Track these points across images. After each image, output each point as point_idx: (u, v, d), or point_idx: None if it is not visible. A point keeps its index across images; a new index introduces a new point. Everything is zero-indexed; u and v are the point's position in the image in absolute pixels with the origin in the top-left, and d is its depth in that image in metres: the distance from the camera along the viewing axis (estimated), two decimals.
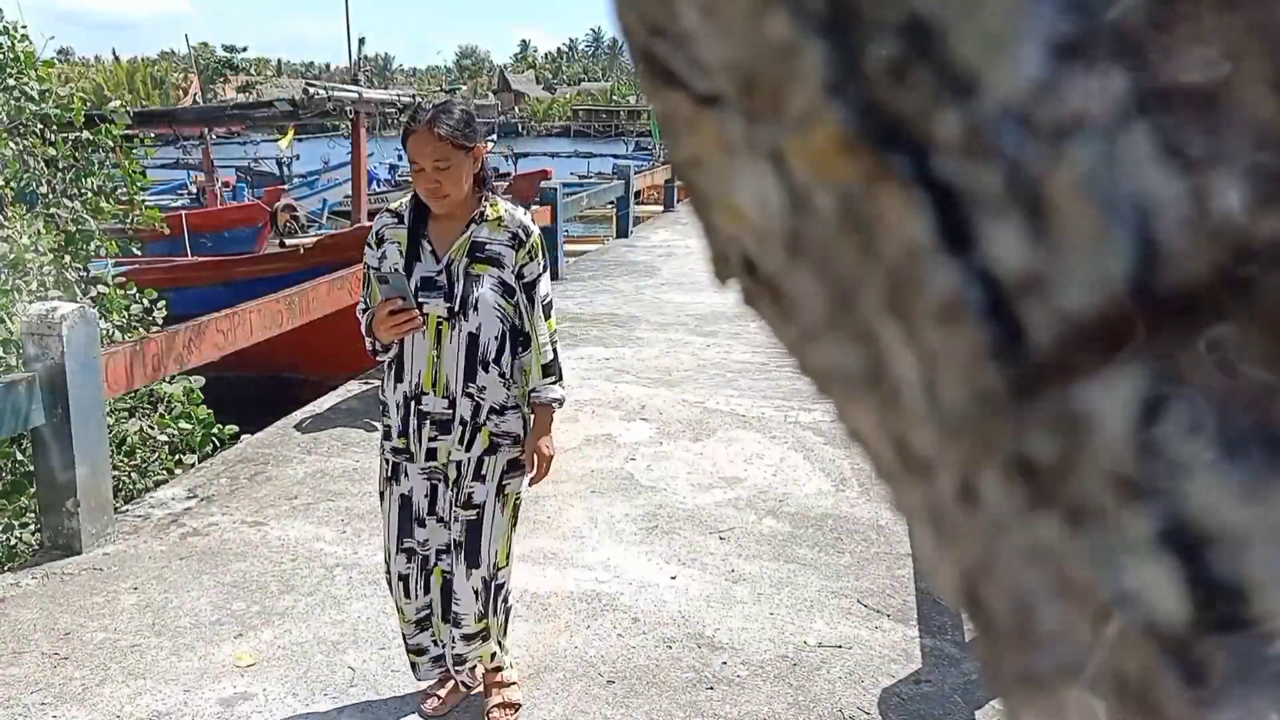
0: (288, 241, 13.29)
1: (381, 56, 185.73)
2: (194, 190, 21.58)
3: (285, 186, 21.60)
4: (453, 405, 3.15)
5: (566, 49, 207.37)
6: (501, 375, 3.16)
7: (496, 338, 3.14)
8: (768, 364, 7.84)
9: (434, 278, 3.11)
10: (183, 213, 13.69)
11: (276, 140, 26.53)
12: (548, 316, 3.23)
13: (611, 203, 16.21)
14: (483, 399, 3.15)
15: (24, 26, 6.90)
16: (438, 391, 3.15)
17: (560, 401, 3.25)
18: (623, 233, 15.94)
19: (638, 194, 17.30)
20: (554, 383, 3.23)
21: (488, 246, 3.13)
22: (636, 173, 17.48)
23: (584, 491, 5.49)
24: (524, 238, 3.16)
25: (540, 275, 3.21)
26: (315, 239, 12.38)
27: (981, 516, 0.25)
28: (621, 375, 7.73)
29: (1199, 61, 0.20)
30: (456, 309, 3.10)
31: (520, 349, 3.22)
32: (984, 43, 0.22)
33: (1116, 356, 0.21)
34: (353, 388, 7.35)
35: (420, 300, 3.09)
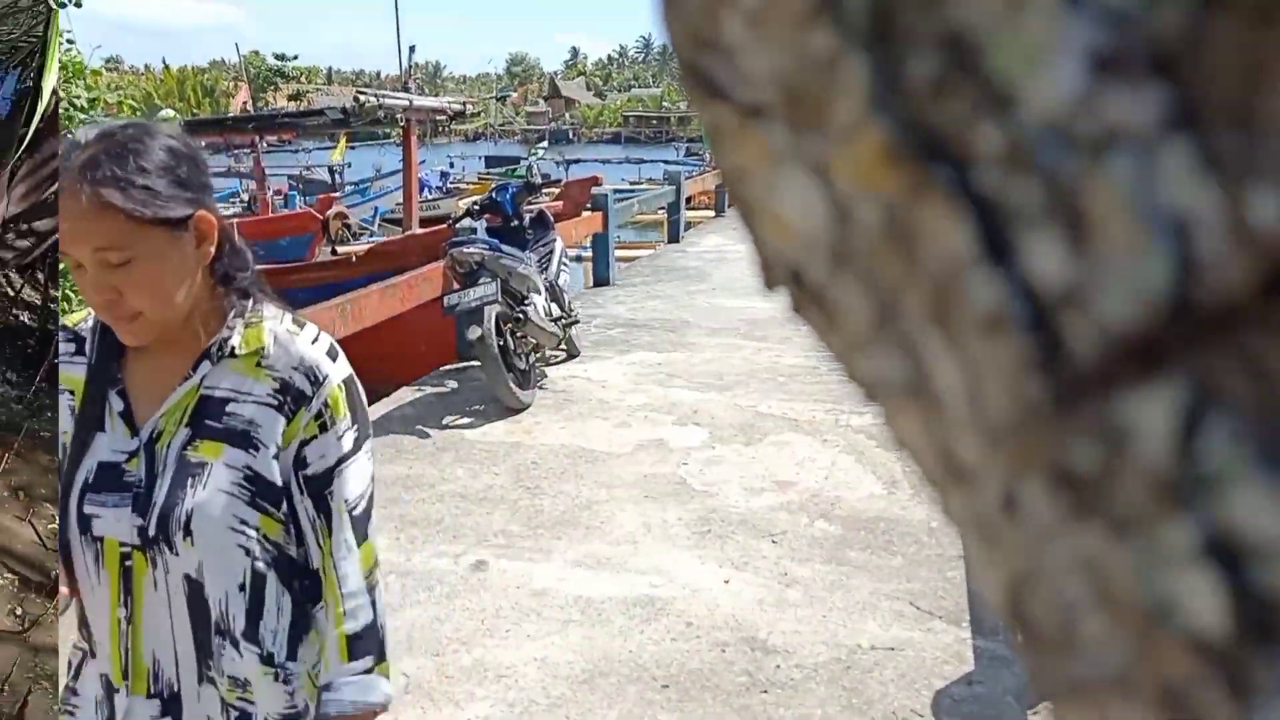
0: (339, 249, 13.45)
1: (432, 64, 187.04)
2: (246, 198, 21.82)
3: (337, 194, 21.79)
4: (173, 711, 1.60)
5: (617, 55, 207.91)
6: (267, 657, 1.62)
7: (243, 587, 1.59)
8: (819, 368, 7.80)
9: (120, 465, 1.58)
10: (235, 220, 13.81)
11: (329, 149, 26.79)
12: (363, 538, 1.64)
13: (663, 208, 16.23)
14: (246, 703, 1.61)
15: (68, 32, 6.94)
16: (135, 685, 1.60)
17: (384, 705, 1.64)
18: (674, 238, 15.95)
19: (689, 199, 17.30)
20: (370, 670, 1.63)
21: (230, 407, 1.58)
22: (687, 178, 17.48)
23: (637, 496, 5.49)
24: (307, 390, 1.60)
25: (347, 459, 1.63)
26: (367, 246, 12.50)
27: (1025, 526, 0.25)
28: (673, 380, 7.73)
29: (1237, 74, 0.20)
30: (154, 531, 1.55)
31: (311, 604, 1.67)
32: (1022, 56, 0.22)
33: (1156, 368, 0.21)
34: (405, 395, 7.40)
35: (88, 511, 1.57)
